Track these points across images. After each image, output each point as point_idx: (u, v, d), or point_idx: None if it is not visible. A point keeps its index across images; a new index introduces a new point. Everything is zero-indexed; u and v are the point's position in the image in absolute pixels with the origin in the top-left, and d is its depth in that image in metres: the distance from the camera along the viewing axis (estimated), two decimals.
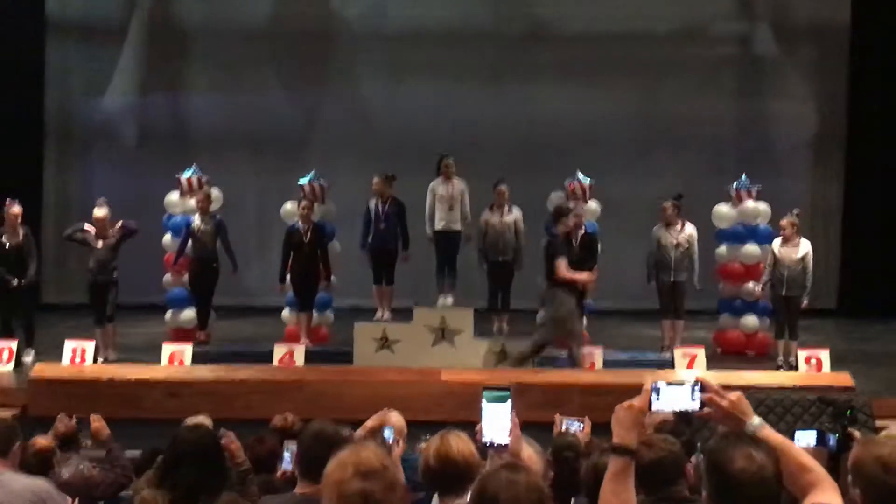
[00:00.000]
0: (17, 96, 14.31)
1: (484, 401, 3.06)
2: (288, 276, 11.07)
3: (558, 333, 9.96)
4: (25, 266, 10.54)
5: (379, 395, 8.58)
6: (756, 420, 3.04)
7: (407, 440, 5.91)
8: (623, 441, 3.01)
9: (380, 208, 11.03)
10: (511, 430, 3.18)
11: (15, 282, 10.39)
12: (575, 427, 5.85)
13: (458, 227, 11.07)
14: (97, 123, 15.01)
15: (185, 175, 11.72)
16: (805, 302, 10.64)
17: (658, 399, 3.02)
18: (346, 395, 8.96)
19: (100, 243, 10.60)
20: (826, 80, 14.99)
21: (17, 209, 10.53)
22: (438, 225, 11.04)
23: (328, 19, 15.09)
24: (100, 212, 10.66)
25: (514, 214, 11.05)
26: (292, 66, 15.00)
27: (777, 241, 10.66)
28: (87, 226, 10.68)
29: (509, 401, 3.07)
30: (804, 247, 10.59)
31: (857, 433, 5.14)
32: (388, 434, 5.07)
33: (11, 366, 10.13)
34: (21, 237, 10.57)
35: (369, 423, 4.95)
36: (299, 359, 10.13)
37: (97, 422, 5.93)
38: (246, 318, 13.09)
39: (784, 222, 10.55)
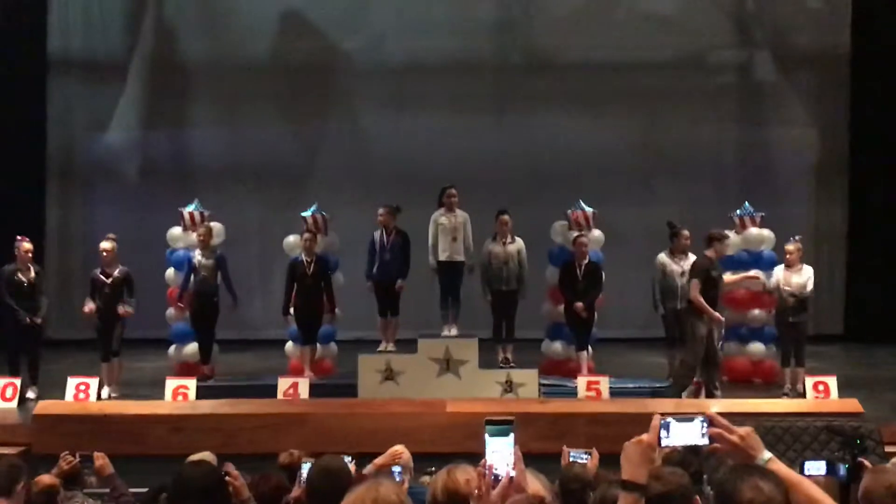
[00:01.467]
0: (20, 133, 14.37)
1: (487, 434, 3.03)
2: (291, 309, 11.04)
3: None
4: (38, 302, 10.54)
5: (384, 428, 8.57)
6: (766, 455, 3.02)
7: (412, 472, 5.89)
8: (633, 477, 2.99)
9: (384, 239, 11.02)
10: (515, 464, 3.15)
11: (28, 319, 10.37)
12: (582, 459, 5.80)
13: (461, 257, 11.04)
14: (99, 159, 15.08)
15: (188, 209, 11.73)
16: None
17: (668, 435, 3.01)
18: (352, 427, 8.90)
19: (108, 280, 10.59)
20: (827, 105, 15.04)
21: (28, 245, 10.54)
22: (442, 256, 11.01)
23: (328, 53, 15.17)
24: (106, 244, 10.67)
25: (518, 244, 11.04)
26: (293, 100, 15.07)
27: (780, 268, 10.64)
28: (97, 275, 10.63)
29: (512, 434, 3.03)
30: (807, 272, 10.57)
31: (867, 462, 5.09)
32: (396, 470, 5.04)
33: (16, 403, 10.09)
34: (34, 273, 10.57)
35: (380, 460, 4.92)
36: (303, 392, 10.08)
37: (101, 459, 5.90)
38: (249, 352, 13.06)
39: (790, 248, 10.53)
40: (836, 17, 14.98)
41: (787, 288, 10.55)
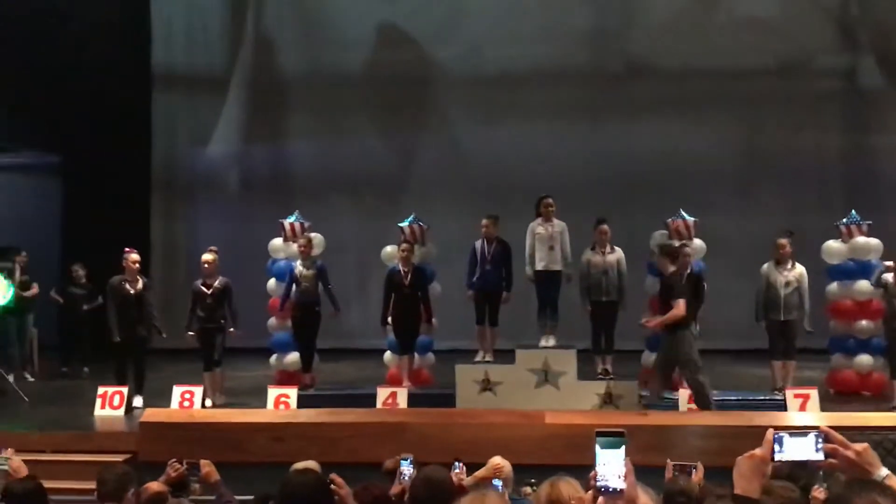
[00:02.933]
0: (125, 147, 14.74)
1: (597, 445, 3.02)
2: (389, 319, 11.11)
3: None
4: (146, 313, 10.80)
5: (482, 438, 8.55)
6: (883, 471, 2.94)
7: (512, 483, 5.87)
8: (745, 491, 2.96)
9: (486, 249, 11.03)
10: (626, 476, 3.13)
11: (146, 332, 10.71)
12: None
13: (558, 267, 10.98)
14: (202, 172, 15.39)
15: (288, 221, 11.89)
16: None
17: (781, 449, 2.97)
18: (450, 437, 8.89)
19: (209, 291, 10.80)
20: None
21: (135, 257, 10.81)
22: (539, 265, 10.97)
23: (423, 63, 15.27)
24: (207, 256, 10.88)
25: (617, 254, 10.94)
26: (389, 111, 15.20)
27: (890, 276, 10.35)
28: (198, 287, 10.85)
29: (623, 446, 3.02)
30: None
31: None
32: (497, 483, 5.03)
33: (123, 411, 10.34)
34: (141, 285, 10.83)
35: (481, 472, 4.92)
36: (402, 401, 10.12)
37: (207, 466, 5.99)
38: (348, 361, 13.16)
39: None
40: None
41: None
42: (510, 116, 14.91)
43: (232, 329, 10.91)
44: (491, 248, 10.99)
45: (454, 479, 5.30)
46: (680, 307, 9.44)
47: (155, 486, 5.84)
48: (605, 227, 10.92)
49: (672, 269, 9.70)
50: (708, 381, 9.69)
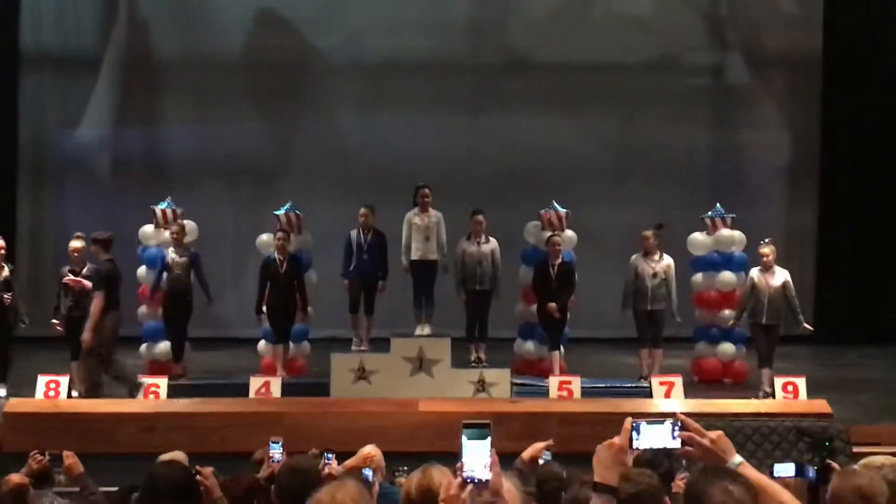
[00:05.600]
0: None
1: (464, 437, 3.05)
2: (264, 307, 11.02)
3: None
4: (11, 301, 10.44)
5: (356, 427, 8.59)
6: (737, 459, 3.05)
7: (384, 472, 5.90)
8: (605, 480, 3.03)
9: (362, 239, 11.04)
10: (492, 467, 3.17)
11: (12, 319, 10.34)
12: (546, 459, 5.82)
13: (434, 256, 11.07)
14: (71, 156, 14.94)
15: (160, 207, 11.68)
16: (806, 325, 10.71)
17: (638, 437, 3.05)
18: (324, 427, 8.90)
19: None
20: (799, 108, 15.12)
21: (0, 243, 10.45)
22: (415, 255, 11.03)
23: (303, 50, 15.11)
24: (75, 243, 10.59)
25: (491, 244, 11.07)
26: (268, 98, 14.98)
27: (756, 270, 10.69)
28: (65, 274, 10.51)
29: (489, 437, 3.06)
30: (781, 274, 10.63)
31: (835, 465, 5.14)
32: (367, 472, 5.05)
33: None
34: (7, 272, 10.48)
35: (351, 462, 4.94)
36: (276, 391, 10.06)
37: (70, 458, 5.87)
38: (222, 350, 13.00)
39: (766, 250, 10.58)
40: (808, 19, 15.07)
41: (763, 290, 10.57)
42: (390, 106, 14.87)
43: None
44: (367, 238, 11.02)
45: (324, 470, 5.30)
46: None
47: (16, 478, 5.71)
48: (481, 217, 11.03)
49: (105, 257, 9.98)
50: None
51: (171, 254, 11.02)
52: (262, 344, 11.53)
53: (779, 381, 10.16)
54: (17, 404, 9.49)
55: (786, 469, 4.97)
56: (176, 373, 10.94)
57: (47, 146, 15.05)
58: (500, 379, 10.33)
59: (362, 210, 11.09)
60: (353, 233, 11.11)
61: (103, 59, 15.06)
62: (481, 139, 14.70)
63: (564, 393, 10.08)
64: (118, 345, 10.41)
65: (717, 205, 12.00)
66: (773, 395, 10.15)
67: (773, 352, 10.73)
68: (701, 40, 15.33)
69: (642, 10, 15.06)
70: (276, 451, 5.60)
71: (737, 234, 11.79)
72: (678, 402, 9.69)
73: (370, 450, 5.78)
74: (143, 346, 11.59)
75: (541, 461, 5.76)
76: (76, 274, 10.51)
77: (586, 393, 10.15)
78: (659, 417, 3.13)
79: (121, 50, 15.12)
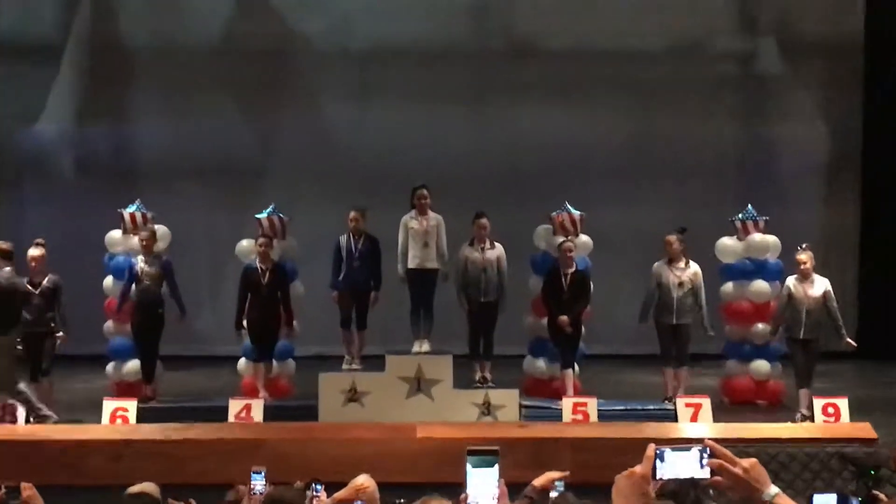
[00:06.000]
0: None
1: (469, 465, 3.02)
2: (245, 322, 10.99)
3: None
4: None
5: (347, 455, 8.55)
6: (773, 490, 3.00)
7: None
8: None
9: (353, 245, 11.01)
10: (499, 498, 3.14)
11: None
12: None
13: (433, 265, 11.02)
14: (30, 154, 14.95)
15: (129, 210, 11.65)
16: (849, 340, 10.63)
17: (662, 466, 3.01)
18: (311, 455, 8.86)
19: (36, 290, 10.49)
20: (838, 98, 15.12)
21: None
22: (412, 263, 11.00)
23: (288, 36, 15.11)
24: (34, 251, 10.57)
25: (497, 250, 11.02)
26: (248, 89, 14.99)
27: (792, 279, 10.64)
28: (23, 286, 10.45)
29: (496, 465, 3.03)
30: (821, 283, 10.58)
31: (882, 496, 5.10)
32: None
33: None
34: None
35: (342, 494, 4.91)
36: (257, 415, 10.03)
37: (28, 490, 5.80)
38: (197, 370, 12.99)
39: (804, 256, 10.51)
40: (847, 0, 15.09)
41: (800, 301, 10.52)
42: (383, 97, 14.89)
43: (62, 333, 10.62)
44: (358, 244, 10.99)
45: (311, 503, 5.26)
46: None
47: None
48: (485, 220, 10.99)
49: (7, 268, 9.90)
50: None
51: (141, 262, 10.99)
52: (242, 362, 11.50)
53: (818, 403, 10.12)
54: None
55: (827, 500, 4.92)
56: (146, 395, 10.90)
57: (3, 144, 15.05)
58: (507, 401, 10.30)
59: (352, 213, 11.06)
60: (343, 238, 11.08)
61: (65, 47, 15.07)
62: (485, 134, 14.70)
63: (579, 416, 10.05)
64: (22, 374, 10.24)
65: (749, 206, 11.97)
66: (812, 418, 10.11)
67: (813, 370, 10.68)
68: (729, 23, 15.33)
69: None
70: (258, 483, 5.57)
71: (770, 238, 11.75)
72: (706, 427, 9.67)
73: (363, 480, 5.73)
74: (110, 366, 11.55)
75: (553, 493, 5.71)
76: (36, 285, 10.48)
77: (603, 416, 10.11)
78: (685, 443, 3.09)
79: (85, 36, 15.13)
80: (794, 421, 10.29)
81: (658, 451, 3.02)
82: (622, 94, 14.79)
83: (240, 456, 8.76)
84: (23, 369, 10.39)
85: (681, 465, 3.02)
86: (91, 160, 15.00)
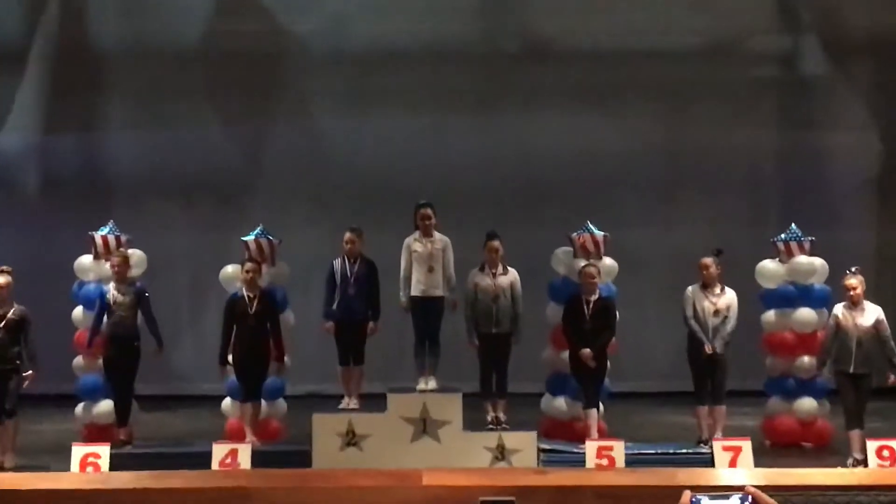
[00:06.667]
0: None
1: None
2: (230, 357, 10.99)
3: None
4: None
5: None
6: None
7: None
8: None
9: (347, 270, 11.01)
10: None
11: None
12: None
13: (439, 292, 11.01)
14: None
15: (100, 233, 11.67)
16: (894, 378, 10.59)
17: None
18: None
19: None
20: (890, 102, 15.13)
21: None
22: (416, 290, 10.99)
23: (276, 37, 15.17)
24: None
25: (510, 276, 11.02)
26: (232, 96, 15.06)
27: (840, 307, 10.62)
28: None
29: None
30: (873, 312, 10.55)
31: None
32: None
33: None
34: None
35: None
36: (245, 461, 10.01)
37: None
38: (177, 411, 13.00)
39: (854, 281, 10.48)
40: None
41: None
42: (382, 104, 14.93)
43: (29, 371, 10.64)
44: (354, 269, 10.98)
45: None
46: None
47: None
48: (497, 243, 11.00)
49: None
50: None
51: (113, 290, 11.00)
52: (227, 402, 11.50)
53: (872, 445, 10.08)
54: None
55: None
56: (120, 439, 10.89)
57: None
58: (523, 444, 10.28)
59: (348, 234, 11.07)
60: (337, 262, 11.08)
61: (30, 50, 15.13)
62: (496, 145, 14.73)
63: (604, 461, 10.00)
64: None
65: (792, 225, 11.95)
66: (864, 463, 10.07)
67: (864, 408, 10.65)
68: (768, 21, 15.39)
69: None
70: None
71: (817, 261, 11.74)
72: (747, 472, 9.62)
73: None
74: (80, 407, 11.54)
75: None
76: (0, 318, 10.51)
77: (631, 461, 10.07)
78: (724, 491, 3.12)
79: (51, 41, 15.19)
80: (844, 466, 10.26)
81: (694, 500, 3.05)
82: (650, 99, 14.83)
83: None
84: None
85: None
86: (58, 175, 15.05)
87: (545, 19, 15.13)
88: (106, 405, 11.35)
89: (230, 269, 11.56)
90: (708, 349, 10.72)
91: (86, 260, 11.69)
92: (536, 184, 14.50)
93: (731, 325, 10.92)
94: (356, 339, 11.11)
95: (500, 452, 10.24)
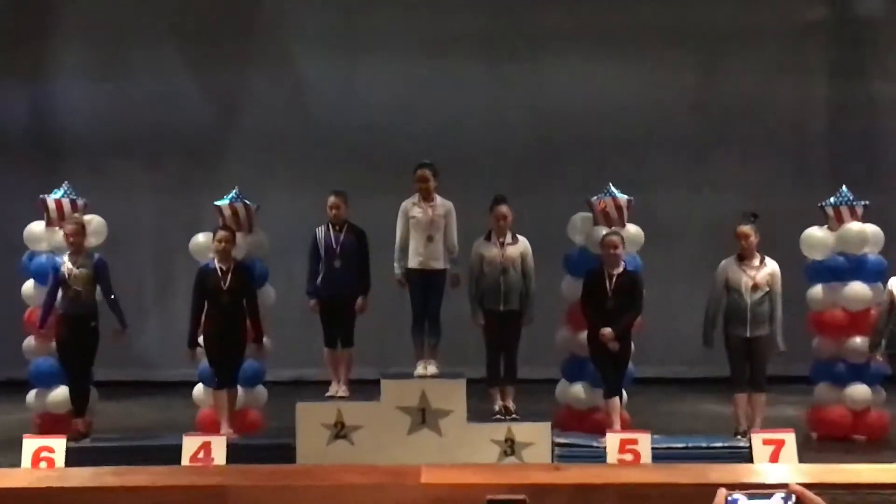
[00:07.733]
0: None
1: None
2: (201, 338, 11.03)
3: None
4: None
5: None
6: None
7: None
8: None
9: (332, 239, 11.01)
10: None
11: None
12: None
13: (440, 264, 11.03)
14: None
15: (53, 196, 11.69)
16: None
17: None
18: None
19: None
20: None
21: None
22: (413, 262, 11.01)
23: None
24: None
25: (520, 246, 11.03)
26: (203, 40, 15.04)
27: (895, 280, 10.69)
28: None
29: None
30: None
31: None
32: None
33: None
34: None
35: None
36: (219, 456, 10.05)
37: None
38: (142, 399, 13.04)
39: None
40: None
41: None
42: (375, 50, 14.92)
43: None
44: (340, 238, 10.98)
45: None
46: None
47: None
48: (505, 208, 11.00)
49: None
50: None
51: (68, 263, 11.02)
52: (198, 389, 11.55)
53: None
54: None
55: None
56: (77, 431, 10.94)
57: None
58: (536, 437, 10.34)
59: (332, 199, 11.05)
60: (321, 231, 11.09)
61: None
62: (505, 97, 14.74)
63: (628, 456, 10.06)
64: None
65: (843, 188, 11.98)
66: None
67: None
68: None
69: None
70: None
71: (870, 228, 11.76)
72: (790, 468, 9.66)
73: None
74: (31, 394, 11.60)
75: None
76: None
77: (659, 456, 10.12)
78: (764, 490, 3.16)
79: None
80: None
81: (730, 499, 3.08)
82: (680, 45, 14.83)
83: None
84: None
85: None
86: (4, 132, 15.06)
87: None
88: (61, 392, 11.39)
89: (201, 237, 11.58)
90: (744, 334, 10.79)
91: (37, 228, 11.71)
92: (551, 141, 14.52)
93: (779, 308, 10.90)
94: (344, 317, 11.11)
95: (510, 446, 10.29)
